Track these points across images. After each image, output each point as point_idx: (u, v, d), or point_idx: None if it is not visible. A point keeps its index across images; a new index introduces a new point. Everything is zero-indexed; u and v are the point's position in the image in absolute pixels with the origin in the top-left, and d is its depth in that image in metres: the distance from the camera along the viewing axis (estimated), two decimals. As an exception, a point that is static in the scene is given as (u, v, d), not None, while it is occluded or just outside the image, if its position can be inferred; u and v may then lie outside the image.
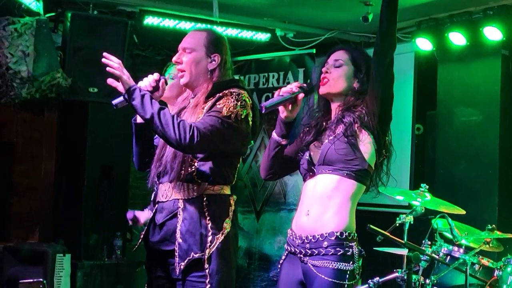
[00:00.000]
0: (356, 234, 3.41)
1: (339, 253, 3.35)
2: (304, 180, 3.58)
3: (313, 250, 3.39)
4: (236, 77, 7.29)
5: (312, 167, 3.50)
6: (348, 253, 3.36)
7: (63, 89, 6.53)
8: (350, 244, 3.37)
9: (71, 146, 7.68)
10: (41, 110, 7.67)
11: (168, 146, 3.70)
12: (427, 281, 4.72)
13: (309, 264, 3.39)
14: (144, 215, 4.47)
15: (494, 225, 4.75)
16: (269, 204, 7.69)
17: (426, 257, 4.52)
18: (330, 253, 3.35)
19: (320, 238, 3.37)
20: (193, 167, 3.68)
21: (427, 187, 4.94)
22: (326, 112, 3.66)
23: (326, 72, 3.60)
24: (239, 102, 3.66)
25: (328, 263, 3.34)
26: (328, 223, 3.38)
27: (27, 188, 7.84)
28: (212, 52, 3.80)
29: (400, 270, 4.74)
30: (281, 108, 3.68)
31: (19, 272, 6.37)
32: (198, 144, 3.51)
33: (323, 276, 3.33)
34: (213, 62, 3.79)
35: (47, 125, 7.80)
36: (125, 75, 3.61)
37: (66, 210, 7.54)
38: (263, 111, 3.66)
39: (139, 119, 3.81)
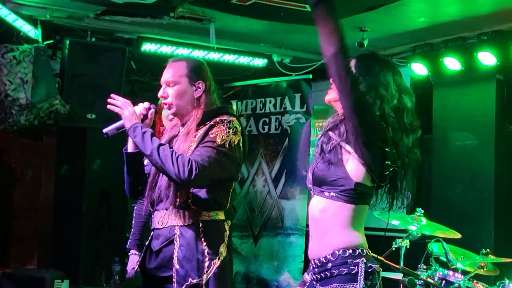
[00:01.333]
0: (363, 250, 3.17)
1: (343, 273, 3.14)
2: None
3: (321, 274, 3.22)
4: (233, 102, 7.36)
5: (310, 186, 3.36)
6: (353, 272, 3.13)
7: (61, 115, 6.57)
8: (355, 261, 3.14)
9: (70, 172, 7.71)
10: (39, 136, 7.71)
11: (161, 174, 3.75)
12: (423, 305, 4.75)
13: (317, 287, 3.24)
14: (131, 264, 4.50)
15: (488, 249, 4.77)
16: (267, 229, 7.71)
17: (421, 281, 4.54)
18: (334, 274, 3.15)
19: (324, 261, 3.20)
20: (189, 194, 3.73)
21: (423, 211, 4.97)
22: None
23: None
24: (231, 130, 3.72)
25: (334, 285, 3.13)
26: (329, 244, 3.20)
27: (25, 212, 7.85)
28: (195, 81, 3.84)
29: (395, 295, 4.78)
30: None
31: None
32: (196, 177, 3.56)
33: None
34: (198, 89, 3.84)
35: (46, 151, 7.84)
36: (129, 112, 3.71)
37: (65, 235, 7.56)
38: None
39: (130, 149, 3.86)
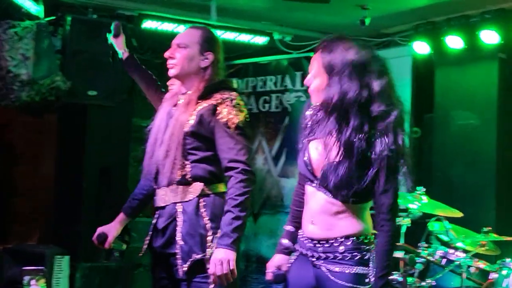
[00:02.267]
0: (373, 237, 3.24)
1: (356, 258, 3.19)
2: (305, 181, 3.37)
3: (328, 254, 3.23)
4: (234, 80, 7.32)
5: (312, 179, 3.28)
6: (366, 257, 3.20)
7: (62, 92, 6.55)
8: (368, 247, 3.21)
9: (70, 149, 7.71)
10: (40, 112, 7.70)
11: (158, 145, 3.78)
12: (423, 283, 4.75)
13: (324, 269, 3.23)
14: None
15: (489, 228, 4.77)
16: (267, 207, 7.71)
17: (422, 259, 4.55)
18: (347, 258, 3.20)
19: (335, 243, 3.22)
20: (186, 169, 3.74)
21: (424, 190, 4.97)
22: None
23: None
24: (235, 108, 3.73)
25: (346, 267, 3.18)
26: (341, 229, 3.22)
27: (27, 190, 7.86)
28: (205, 50, 3.84)
29: (396, 272, 4.78)
30: None
31: (18, 274, 6.39)
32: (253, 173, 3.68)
33: (342, 282, 3.18)
34: (206, 60, 3.83)
35: (47, 128, 7.83)
36: None
37: (65, 212, 7.57)
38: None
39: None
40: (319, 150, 3.26)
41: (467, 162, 6.72)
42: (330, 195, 3.21)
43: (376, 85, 3.19)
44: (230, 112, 3.71)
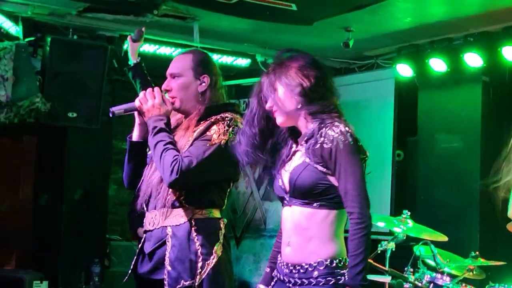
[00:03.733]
0: (347, 260, 3.17)
1: (330, 283, 3.15)
2: (282, 204, 3.35)
3: (303, 280, 3.20)
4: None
5: (285, 196, 3.28)
6: (340, 282, 3.15)
7: (42, 113, 6.47)
8: (342, 271, 3.16)
9: (49, 171, 7.62)
10: (19, 134, 7.61)
11: (154, 169, 3.65)
12: (411, 308, 4.69)
13: None
14: None
15: (477, 252, 4.72)
16: (249, 231, 7.66)
17: (409, 284, 4.48)
18: (321, 283, 3.16)
19: (309, 268, 3.19)
20: (182, 192, 3.59)
21: (409, 213, 4.92)
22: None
23: None
24: (231, 128, 3.57)
25: None
26: (314, 253, 3.20)
27: (5, 213, 7.75)
28: (200, 74, 3.71)
29: (383, 297, 4.73)
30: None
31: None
32: (180, 179, 3.45)
33: None
34: (203, 84, 3.70)
35: (26, 150, 7.74)
36: (152, 103, 3.64)
37: (44, 235, 7.47)
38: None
39: (134, 137, 3.76)
40: (286, 165, 3.27)
41: (451, 185, 6.70)
42: (300, 201, 3.18)
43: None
44: (222, 128, 3.56)
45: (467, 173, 6.60)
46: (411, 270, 4.72)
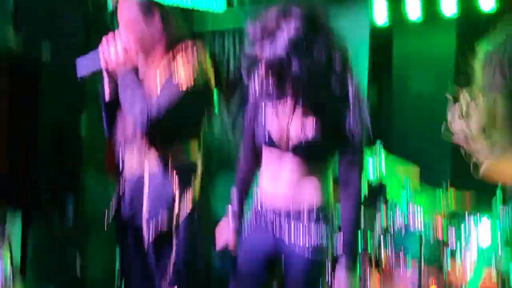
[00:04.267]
0: (335, 205, 3.24)
1: (320, 230, 3.18)
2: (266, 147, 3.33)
3: (291, 225, 3.21)
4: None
5: (273, 145, 3.25)
6: (328, 227, 3.20)
7: (14, 52, 6.41)
8: (332, 219, 3.22)
9: (22, 110, 7.57)
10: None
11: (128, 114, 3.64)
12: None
13: (284, 239, 3.23)
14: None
15: (448, 182, 4.78)
16: (224, 168, 7.66)
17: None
18: (311, 230, 3.18)
19: (296, 213, 3.20)
20: (156, 135, 3.59)
21: (382, 143, 4.96)
22: None
23: None
24: (196, 61, 3.52)
25: (307, 238, 3.17)
26: (303, 199, 3.20)
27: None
28: (148, 11, 3.63)
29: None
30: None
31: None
32: (151, 128, 3.45)
33: (302, 254, 3.18)
34: (153, 21, 3.63)
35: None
36: (115, 53, 3.58)
37: (21, 170, 7.45)
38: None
39: (107, 97, 3.71)
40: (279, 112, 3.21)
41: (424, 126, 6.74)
42: (298, 156, 3.16)
43: None
44: (185, 63, 3.51)
45: (440, 116, 6.64)
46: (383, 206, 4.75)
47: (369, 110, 3.17)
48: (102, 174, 7.96)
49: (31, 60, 6.70)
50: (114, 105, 3.68)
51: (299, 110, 3.15)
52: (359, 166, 3.13)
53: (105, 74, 3.65)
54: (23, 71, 7.20)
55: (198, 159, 3.69)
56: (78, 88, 7.73)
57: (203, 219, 3.66)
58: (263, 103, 3.25)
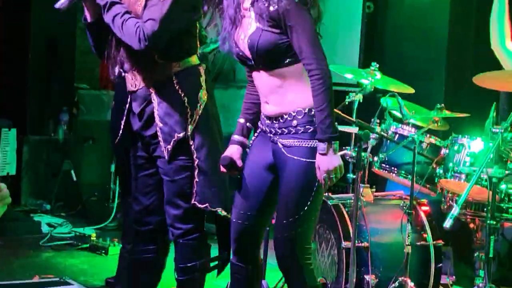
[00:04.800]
0: None
1: (309, 131, 3.28)
2: (247, 67, 3.48)
3: (283, 129, 3.32)
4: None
5: (249, 63, 3.38)
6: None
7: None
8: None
9: (14, 19, 7.48)
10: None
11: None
12: (375, 158, 4.81)
13: (280, 144, 3.33)
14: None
15: (442, 105, 4.80)
16: (219, 81, 7.65)
17: (376, 135, 4.57)
18: (300, 131, 3.29)
19: (289, 118, 3.31)
20: (155, 50, 3.57)
21: (378, 65, 4.95)
22: None
23: None
24: None
25: (300, 141, 3.28)
26: (293, 103, 3.31)
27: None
28: None
29: (349, 147, 4.81)
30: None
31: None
32: (149, 45, 3.43)
33: (296, 157, 3.27)
34: None
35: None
36: None
37: (11, 84, 7.42)
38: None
39: (89, 19, 3.67)
40: (241, 33, 3.34)
41: (419, 38, 6.70)
42: (266, 68, 3.29)
43: None
44: None
45: (436, 26, 6.60)
46: (378, 121, 4.80)
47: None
48: (95, 89, 7.99)
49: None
50: (97, 26, 3.66)
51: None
52: (315, 61, 3.19)
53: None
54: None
55: (199, 62, 3.71)
56: None
57: (213, 120, 3.71)
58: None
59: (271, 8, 3.21)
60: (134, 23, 3.45)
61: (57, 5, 3.56)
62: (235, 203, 3.52)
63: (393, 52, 6.89)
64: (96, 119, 7.79)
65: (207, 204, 3.63)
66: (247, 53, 3.32)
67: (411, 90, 5.06)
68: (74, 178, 7.26)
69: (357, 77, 5.09)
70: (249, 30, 3.30)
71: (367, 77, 4.92)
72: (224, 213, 3.64)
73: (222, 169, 3.52)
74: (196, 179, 3.62)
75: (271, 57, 3.28)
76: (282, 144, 3.32)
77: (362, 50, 7.08)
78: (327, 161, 3.22)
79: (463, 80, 6.22)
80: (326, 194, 4.57)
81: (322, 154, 3.22)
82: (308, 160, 3.27)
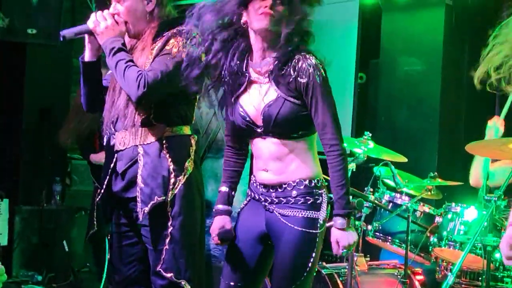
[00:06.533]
0: (324, 181, 3.30)
1: (309, 202, 3.25)
2: (248, 134, 3.38)
3: (281, 199, 3.28)
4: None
5: (256, 129, 3.30)
6: (318, 201, 3.26)
7: (0, 29, 6.34)
8: (320, 191, 3.27)
9: (9, 89, 7.51)
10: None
11: (118, 94, 3.64)
12: (369, 227, 4.79)
13: (276, 213, 3.28)
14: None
15: (436, 173, 4.81)
16: (211, 151, 7.66)
17: (369, 203, 4.57)
18: (300, 202, 3.25)
19: (288, 188, 3.27)
20: (150, 110, 3.60)
21: (370, 135, 4.97)
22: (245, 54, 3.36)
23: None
24: (189, 40, 3.48)
25: (298, 211, 3.24)
26: (295, 172, 3.27)
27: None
28: None
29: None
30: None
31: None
32: (147, 92, 3.45)
33: (293, 226, 3.23)
34: (150, 3, 3.68)
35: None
36: (106, 25, 3.60)
37: (4, 154, 7.41)
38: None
39: (87, 58, 3.71)
40: (251, 99, 3.28)
41: (411, 107, 6.75)
42: (277, 136, 3.24)
43: None
44: (180, 41, 3.52)
45: (428, 95, 6.65)
46: (371, 190, 4.81)
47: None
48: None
49: (17, 35, 6.65)
50: (92, 67, 3.70)
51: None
52: (337, 138, 3.20)
53: (87, 37, 3.65)
54: (9, 48, 7.17)
55: (191, 133, 3.72)
56: (65, 70, 7.75)
57: (196, 191, 3.68)
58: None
59: (301, 80, 3.18)
60: (137, 70, 3.48)
61: (63, 33, 3.61)
62: (223, 274, 3.46)
63: (385, 121, 6.93)
64: (89, 189, 7.74)
65: (171, 274, 3.59)
66: (258, 119, 3.27)
67: (404, 159, 5.07)
68: (66, 249, 7.19)
69: (350, 147, 5.09)
70: (265, 97, 3.25)
71: (360, 146, 4.94)
72: (188, 287, 3.60)
73: (217, 241, 3.47)
74: (166, 247, 3.58)
75: (287, 127, 3.25)
76: (280, 214, 3.27)
77: (355, 120, 7.13)
78: (346, 237, 3.22)
79: (455, 148, 6.25)
80: (320, 263, 4.53)
81: (341, 229, 3.22)
82: (306, 230, 3.23)
